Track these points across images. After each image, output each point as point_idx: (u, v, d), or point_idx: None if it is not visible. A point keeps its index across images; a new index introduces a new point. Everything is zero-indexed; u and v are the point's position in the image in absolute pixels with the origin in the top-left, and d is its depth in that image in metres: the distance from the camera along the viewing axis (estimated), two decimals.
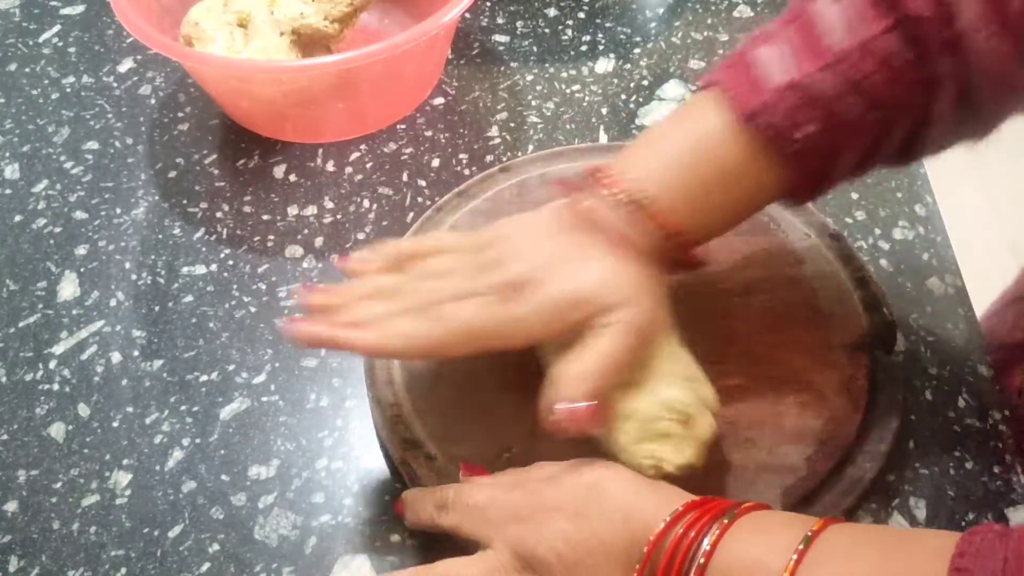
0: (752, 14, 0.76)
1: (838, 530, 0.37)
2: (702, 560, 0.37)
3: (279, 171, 0.67)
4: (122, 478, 0.50)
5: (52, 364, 0.56)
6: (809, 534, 0.36)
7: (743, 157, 0.44)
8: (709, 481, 0.46)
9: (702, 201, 0.44)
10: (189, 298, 0.59)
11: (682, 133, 0.45)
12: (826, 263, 0.55)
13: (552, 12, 0.78)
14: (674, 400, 0.42)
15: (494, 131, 0.68)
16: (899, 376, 0.50)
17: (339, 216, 0.63)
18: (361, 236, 0.62)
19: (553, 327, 0.43)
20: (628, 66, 0.73)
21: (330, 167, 0.67)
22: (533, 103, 0.70)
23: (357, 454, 0.51)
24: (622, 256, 0.44)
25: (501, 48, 0.75)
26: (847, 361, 0.50)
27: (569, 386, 0.42)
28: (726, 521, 0.38)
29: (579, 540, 0.39)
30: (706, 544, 0.37)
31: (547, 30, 0.76)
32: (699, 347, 0.48)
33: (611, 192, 0.44)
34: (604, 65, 0.73)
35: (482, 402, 0.50)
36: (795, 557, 0.35)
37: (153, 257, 0.61)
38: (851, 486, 0.46)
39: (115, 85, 0.74)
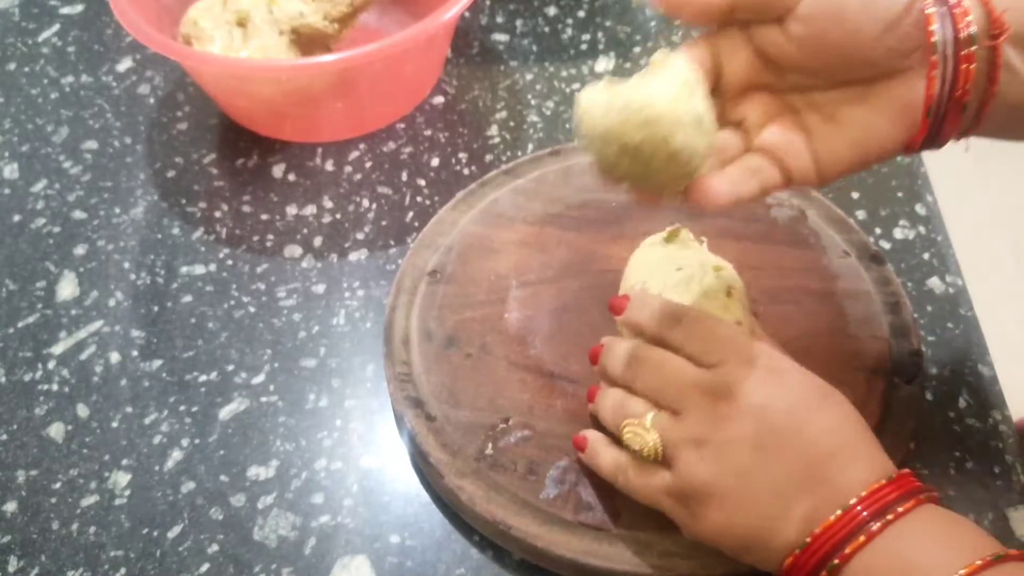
0: None
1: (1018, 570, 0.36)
2: (862, 539, 0.36)
3: (278, 170, 0.66)
4: (121, 478, 0.50)
5: (51, 364, 0.56)
6: (980, 563, 0.35)
7: None
8: None
9: None
10: (188, 298, 0.59)
11: None
12: (860, 283, 0.54)
13: (552, 11, 0.78)
14: None
15: (494, 130, 0.68)
16: (914, 406, 0.49)
17: (338, 216, 0.63)
18: (360, 236, 0.62)
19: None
20: (628, 65, 0.73)
21: (329, 166, 0.66)
22: (533, 102, 0.70)
23: (356, 454, 0.51)
24: None
25: (501, 47, 0.75)
26: (864, 384, 0.49)
27: None
28: (900, 510, 0.37)
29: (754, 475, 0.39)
30: (874, 526, 0.36)
31: (547, 29, 0.76)
32: None
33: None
34: (604, 64, 0.73)
35: (488, 373, 0.51)
36: (963, 573, 0.34)
37: (152, 257, 0.61)
38: None
39: (114, 84, 0.74)
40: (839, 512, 0.37)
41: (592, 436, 0.46)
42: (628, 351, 0.45)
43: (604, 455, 0.45)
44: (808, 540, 0.37)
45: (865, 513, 0.37)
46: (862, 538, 0.36)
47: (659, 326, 0.44)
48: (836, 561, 0.36)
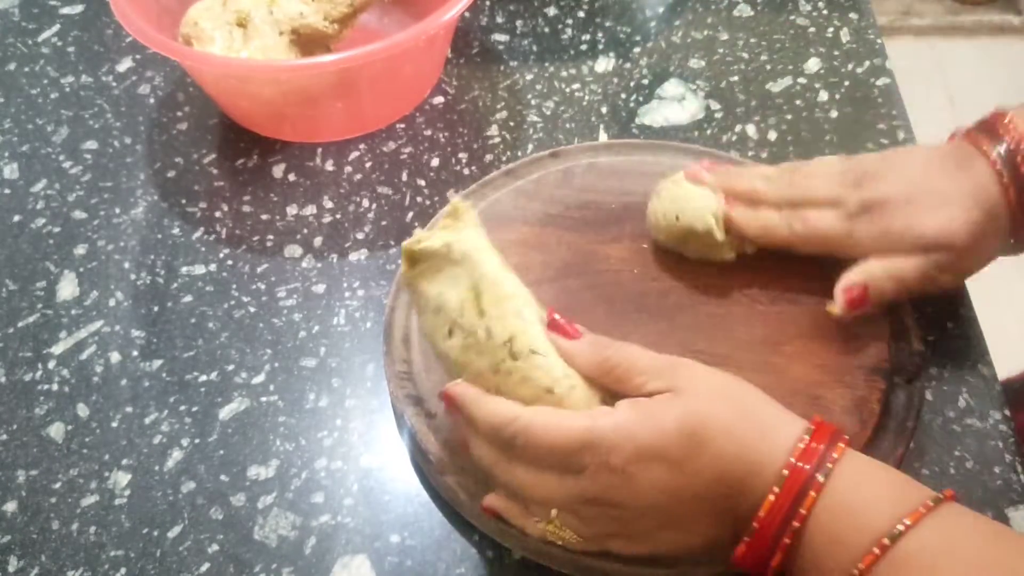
0: (752, 13, 0.76)
1: (959, 512, 0.37)
2: (787, 540, 0.37)
3: (278, 171, 0.66)
4: (121, 478, 0.50)
5: (51, 364, 0.56)
6: (932, 502, 0.36)
7: None
8: None
9: None
10: (188, 298, 0.59)
11: None
12: None
13: (552, 11, 0.78)
14: None
15: (494, 130, 0.68)
16: (914, 405, 0.49)
17: (338, 216, 0.63)
18: (360, 236, 0.62)
19: (884, 252, 0.48)
20: (628, 65, 0.73)
21: (329, 166, 0.67)
22: (533, 102, 0.70)
23: (356, 454, 0.51)
24: (982, 210, 0.46)
25: (501, 47, 0.75)
26: (863, 383, 0.50)
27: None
28: (835, 456, 0.38)
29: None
30: (820, 477, 0.37)
31: (547, 29, 0.76)
32: (715, 350, 0.49)
33: (1012, 140, 0.47)
34: (604, 64, 0.73)
35: None
36: (908, 523, 0.35)
37: (152, 257, 0.61)
38: None
39: (114, 84, 0.74)
40: (748, 539, 0.38)
41: (506, 512, 0.44)
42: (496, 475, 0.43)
43: (534, 530, 0.43)
44: (733, 560, 0.39)
45: (777, 522, 0.38)
46: (787, 539, 0.38)
47: (500, 447, 0.42)
48: (776, 558, 0.38)
